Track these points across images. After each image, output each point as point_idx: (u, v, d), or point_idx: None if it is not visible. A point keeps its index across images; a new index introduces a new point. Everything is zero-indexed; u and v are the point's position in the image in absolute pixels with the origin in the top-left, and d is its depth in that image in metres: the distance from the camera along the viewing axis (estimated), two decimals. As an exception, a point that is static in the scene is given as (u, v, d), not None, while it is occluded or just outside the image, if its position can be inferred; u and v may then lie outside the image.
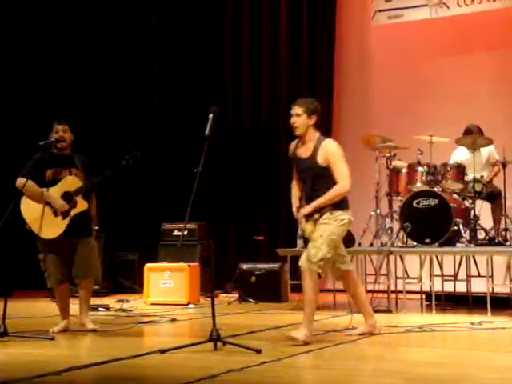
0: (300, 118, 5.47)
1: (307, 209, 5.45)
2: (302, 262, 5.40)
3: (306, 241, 8.15)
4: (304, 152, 5.52)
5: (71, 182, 6.04)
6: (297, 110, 5.50)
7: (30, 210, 6.02)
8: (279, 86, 11.22)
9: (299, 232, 8.31)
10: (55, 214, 5.99)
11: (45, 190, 6.00)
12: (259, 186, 11.09)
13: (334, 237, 5.40)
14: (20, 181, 5.98)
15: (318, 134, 5.53)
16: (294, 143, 5.65)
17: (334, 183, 5.40)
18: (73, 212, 5.98)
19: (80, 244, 6.09)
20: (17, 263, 7.20)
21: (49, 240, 6.00)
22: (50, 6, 11.34)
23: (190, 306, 8.54)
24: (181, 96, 11.63)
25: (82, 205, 6.02)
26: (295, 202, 5.68)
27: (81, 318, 6.17)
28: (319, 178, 5.44)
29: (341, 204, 5.44)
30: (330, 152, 5.43)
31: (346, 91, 11.08)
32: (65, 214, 5.98)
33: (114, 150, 10.78)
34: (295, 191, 5.73)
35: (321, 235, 5.35)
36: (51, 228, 5.98)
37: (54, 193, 5.99)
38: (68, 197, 5.99)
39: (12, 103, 11.01)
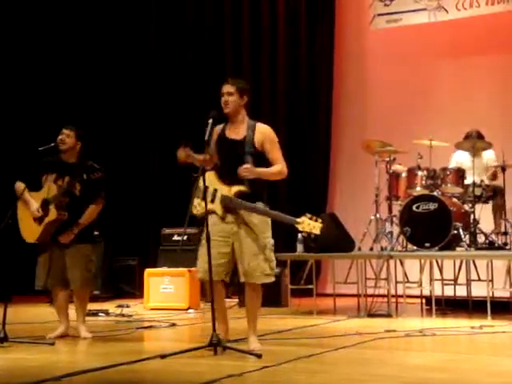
0: (232, 96, 5.23)
1: (255, 171, 5.16)
2: (257, 277, 5.23)
3: (306, 245, 8.24)
4: (236, 133, 5.28)
5: (51, 189, 6.02)
6: (229, 88, 5.26)
7: (20, 212, 6.07)
8: (278, 89, 11.24)
9: (299, 237, 8.32)
10: (34, 219, 6.02)
11: (28, 194, 6.05)
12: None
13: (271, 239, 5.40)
14: (16, 184, 6.08)
15: (247, 117, 5.33)
16: (219, 127, 5.35)
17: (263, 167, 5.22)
18: (46, 220, 5.97)
19: (67, 252, 6.08)
20: (16, 268, 7.19)
21: (39, 243, 6.06)
22: (52, 7, 11.35)
23: (190, 311, 8.54)
24: (180, 98, 11.63)
25: (52, 214, 5.96)
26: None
27: (76, 326, 6.17)
28: (251, 160, 5.19)
29: (263, 197, 5.33)
30: (268, 137, 5.25)
31: (345, 95, 11.09)
32: (40, 221, 5.99)
33: (113, 152, 10.81)
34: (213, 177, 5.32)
35: (265, 245, 5.31)
36: (29, 232, 6.05)
37: (37, 199, 6.03)
38: (45, 204, 5.99)
39: (15, 106, 11.02)
